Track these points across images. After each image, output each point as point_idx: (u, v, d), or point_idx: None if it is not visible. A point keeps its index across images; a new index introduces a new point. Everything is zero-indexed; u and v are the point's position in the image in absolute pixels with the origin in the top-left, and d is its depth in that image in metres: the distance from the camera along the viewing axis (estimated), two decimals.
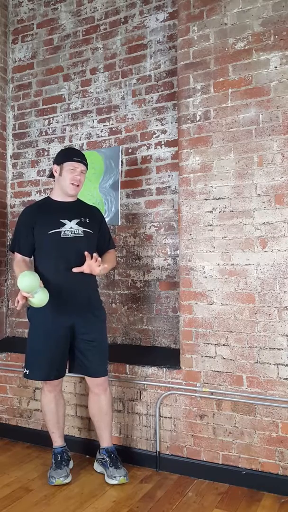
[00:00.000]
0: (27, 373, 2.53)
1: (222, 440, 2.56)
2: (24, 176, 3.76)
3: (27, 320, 2.62)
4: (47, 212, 2.56)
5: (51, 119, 3.66)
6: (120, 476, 2.49)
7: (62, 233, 2.49)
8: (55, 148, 3.61)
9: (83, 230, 2.55)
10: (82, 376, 2.70)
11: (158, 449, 2.70)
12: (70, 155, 2.58)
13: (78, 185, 2.56)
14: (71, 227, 2.51)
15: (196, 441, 2.62)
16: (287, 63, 2.48)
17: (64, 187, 2.55)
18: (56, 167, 2.58)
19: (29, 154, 3.74)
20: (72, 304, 2.49)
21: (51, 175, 2.65)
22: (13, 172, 3.81)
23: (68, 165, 2.53)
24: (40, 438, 3.03)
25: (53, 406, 2.60)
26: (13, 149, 3.82)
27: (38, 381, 3.07)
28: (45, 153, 3.67)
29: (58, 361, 2.53)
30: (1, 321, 3.70)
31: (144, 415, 2.77)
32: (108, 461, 2.55)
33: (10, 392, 3.21)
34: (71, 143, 3.55)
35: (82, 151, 3.46)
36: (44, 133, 3.69)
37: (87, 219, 2.59)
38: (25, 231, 2.54)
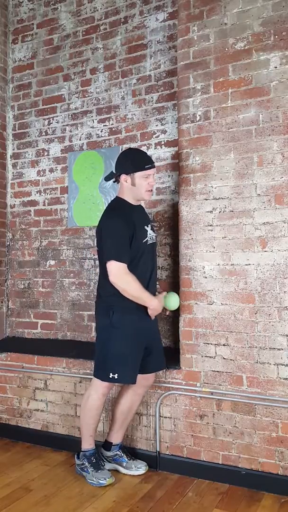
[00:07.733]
0: (116, 377, 2.44)
1: (222, 440, 2.56)
2: (24, 176, 3.76)
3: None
4: (135, 218, 2.49)
5: (51, 119, 3.66)
6: (145, 466, 2.63)
7: (148, 241, 2.51)
8: (55, 148, 3.61)
9: (155, 236, 2.61)
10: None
11: (158, 449, 2.70)
12: (141, 163, 2.45)
13: (151, 190, 2.53)
14: (149, 233, 2.54)
15: (196, 441, 2.62)
16: (287, 63, 2.48)
17: (140, 195, 2.50)
18: (125, 177, 2.47)
19: (29, 154, 3.74)
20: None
21: (115, 180, 2.55)
22: (13, 172, 3.81)
23: (141, 175, 2.45)
24: (40, 438, 3.04)
25: (100, 411, 2.57)
26: (13, 149, 3.82)
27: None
28: (45, 153, 3.67)
29: (139, 364, 2.52)
30: (1, 321, 3.70)
31: (144, 415, 2.77)
32: (124, 456, 2.66)
33: (10, 392, 3.21)
34: (71, 143, 3.55)
35: (81, 151, 3.48)
36: (44, 133, 3.68)
37: (153, 223, 2.65)
38: (128, 239, 2.39)
